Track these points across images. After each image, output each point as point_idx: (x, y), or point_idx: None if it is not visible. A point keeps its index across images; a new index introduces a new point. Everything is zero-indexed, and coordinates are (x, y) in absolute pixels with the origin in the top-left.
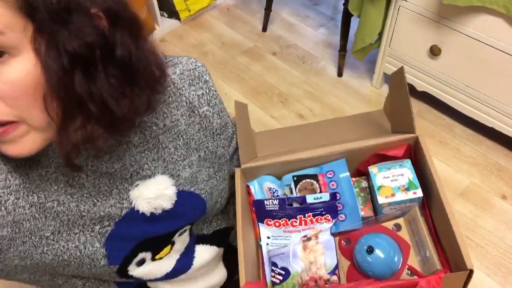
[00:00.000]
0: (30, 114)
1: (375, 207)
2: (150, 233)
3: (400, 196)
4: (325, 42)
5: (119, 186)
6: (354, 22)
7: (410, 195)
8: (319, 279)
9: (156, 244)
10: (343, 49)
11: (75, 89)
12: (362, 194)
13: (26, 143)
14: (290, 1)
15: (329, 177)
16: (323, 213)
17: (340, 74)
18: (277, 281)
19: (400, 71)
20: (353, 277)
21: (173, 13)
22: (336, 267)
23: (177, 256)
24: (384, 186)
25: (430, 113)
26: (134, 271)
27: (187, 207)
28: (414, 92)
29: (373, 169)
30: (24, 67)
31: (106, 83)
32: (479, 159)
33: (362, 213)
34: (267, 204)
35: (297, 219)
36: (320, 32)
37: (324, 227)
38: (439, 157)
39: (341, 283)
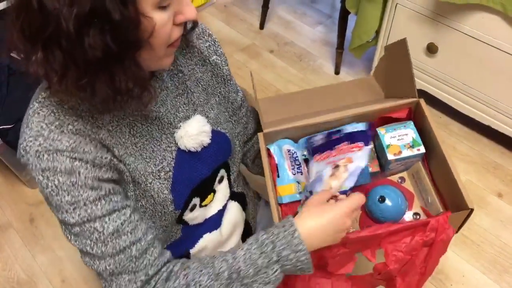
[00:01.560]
0: None
1: (382, 164)
2: (199, 175)
3: (406, 153)
4: (322, 40)
5: (166, 131)
6: (352, 20)
7: (414, 151)
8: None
9: (203, 190)
10: (340, 46)
11: None
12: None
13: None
14: None
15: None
16: (357, 141)
17: (337, 71)
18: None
19: (403, 41)
20: (365, 224)
21: None
22: (350, 189)
23: (219, 207)
24: (392, 145)
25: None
26: (187, 215)
27: (218, 145)
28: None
29: (381, 130)
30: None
31: None
32: (475, 157)
33: (370, 169)
34: (311, 140)
35: (332, 149)
36: (318, 30)
37: (356, 155)
38: None
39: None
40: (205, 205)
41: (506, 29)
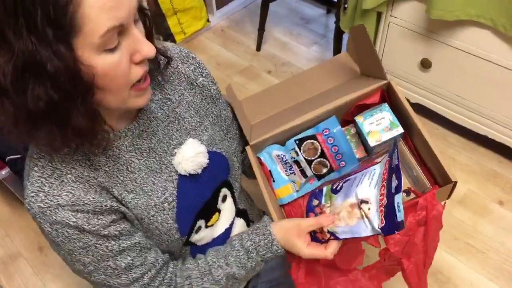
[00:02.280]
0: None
1: (367, 149)
2: (201, 198)
3: (386, 136)
4: (318, 59)
5: (164, 161)
6: (346, 39)
7: (393, 133)
8: (320, 231)
9: (207, 212)
10: None
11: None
12: (353, 140)
13: (149, 89)
14: (283, 21)
15: (325, 134)
16: (387, 217)
17: None
18: (335, 187)
19: (362, 27)
20: None
21: (168, 36)
22: (335, 237)
23: (226, 225)
24: (371, 131)
25: (424, 123)
26: (193, 237)
27: (216, 165)
28: (425, 129)
29: (359, 119)
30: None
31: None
32: (474, 167)
33: (357, 156)
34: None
35: (384, 190)
36: (313, 49)
37: (374, 220)
38: None
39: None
40: (211, 225)
41: (497, 42)
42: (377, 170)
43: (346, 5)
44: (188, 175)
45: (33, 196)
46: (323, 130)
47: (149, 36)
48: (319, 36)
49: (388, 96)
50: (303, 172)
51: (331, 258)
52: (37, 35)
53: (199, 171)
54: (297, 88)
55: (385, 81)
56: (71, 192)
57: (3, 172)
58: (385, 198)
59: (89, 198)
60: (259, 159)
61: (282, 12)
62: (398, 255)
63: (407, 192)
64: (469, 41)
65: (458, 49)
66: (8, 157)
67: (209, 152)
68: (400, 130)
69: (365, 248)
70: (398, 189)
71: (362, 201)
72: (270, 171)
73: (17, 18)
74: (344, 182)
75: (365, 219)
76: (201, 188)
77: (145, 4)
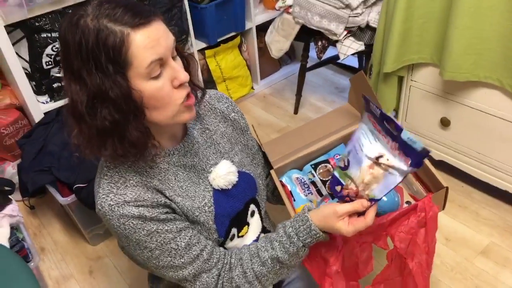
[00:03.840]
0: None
1: None
2: (235, 208)
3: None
4: None
5: (202, 176)
6: None
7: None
8: (356, 195)
9: (239, 222)
10: None
11: (190, 64)
12: None
13: (194, 108)
14: (319, 89)
15: (337, 159)
16: (407, 154)
17: None
18: (342, 165)
19: (361, 75)
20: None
21: None
22: (377, 200)
23: (253, 238)
24: None
25: (449, 180)
26: (228, 244)
27: (245, 183)
28: (431, 161)
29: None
30: (180, 59)
31: (192, 58)
32: (498, 221)
33: None
34: (371, 104)
35: (386, 137)
36: None
37: (398, 164)
38: (459, 219)
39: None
40: (242, 236)
41: (506, 100)
42: (365, 128)
43: (371, 72)
44: (220, 189)
45: (104, 197)
46: (334, 155)
47: (186, 70)
48: (344, 98)
49: None
50: (319, 192)
51: (371, 224)
52: (102, 71)
53: (230, 187)
54: (309, 131)
55: None
56: (134, 192)
57: (69, 199)
58: (393, 142)
59: (148, 195)
60: (281, 182)
61: (319, 81)
62: (403, 253)
63: (409, 203)
64: (481, 100)
65: (472, 108)
66: (76, 186)
67: (239, 172)
68: None
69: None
70: (398, 128)
71: (377, 158)
72: (291, 192)
73: (89, 61)
74: (348, 157)
75: (390, 169)
76: (232, 200)
77: (199, 73)
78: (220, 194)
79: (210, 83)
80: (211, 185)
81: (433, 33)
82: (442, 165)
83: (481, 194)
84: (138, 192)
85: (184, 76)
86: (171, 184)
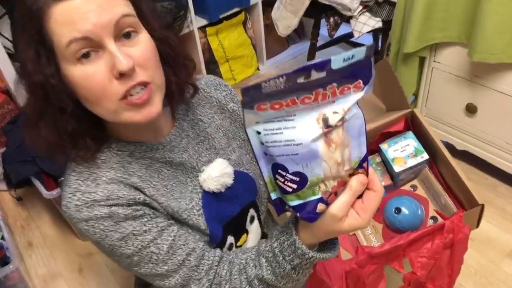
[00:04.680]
0: (156, 74)
1: (392, 176)
2: (228, 212)
3: (411, 162)
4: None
5: (190, 175)
6: None
7: (418, 159)
8: (343, 185)
9: (236, 229)
10: None
11: (169, 52)
12: (378, 168)
13: (156, 102)
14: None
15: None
16: (353, 78)
17: None
18: (289, 189)
19: (385, 62)
20: (388, 236)
21: None
22: (365, 158)
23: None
24: (396, 158)
25: (472, 172)
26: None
27: (242, 184)
28: (454, 151)
29: (383, 146)
30: (147, 39)
31: (176, 43)
32: None
33: (382, 183)
34: (265, 86)
35: (312, 94)
36: None
37: (351, 101)
38: (484, 216)
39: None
40: (240, 246)
41: None
42: (263, 127)
43: (389, 52)
44: (211, 191)
45: (70, 197)
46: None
47: (174, 64)
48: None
49: (412, 124)
50: None
51: (383, 191)
52: (30, 45)
53: (222, 190)
54: None
55: (408, 110)
56: (106, 189)
57: (54, 192)
58: (327, 87)
59: (122, 193)
60: None
61: None
62: (423, 279)
63: (435, 218)
64: None
65: (503, 94)
66: (60, 179)
67: (237, 172)
68: (425, 156)
69: (388, 273)
70: (323, 65)
71: (326, 127)
72: None
73: (18, 33)
74: (291, 174)
75: (346, 116)
76: (226, 204)
77: (199, 53)
78: (210, 196)
79: (212, 63)
80: (200, 186)
81: (462, 7)
82: (465, 156)
83: (507, 188)
84: (111, 190)
85: (124, 64)
86: (154, 182)
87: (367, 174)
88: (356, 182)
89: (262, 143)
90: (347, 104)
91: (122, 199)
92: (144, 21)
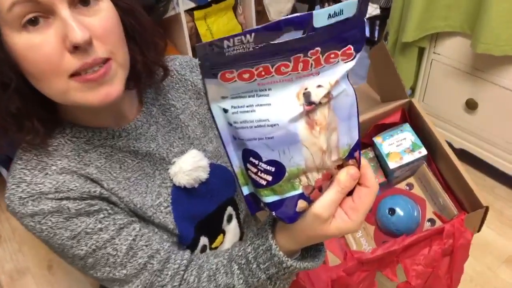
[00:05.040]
0: (118, 50)
1: (386, 173)
2: (202, 209)
3: (408, 158)
4: None
5: (159, 167)
6: None
7: (416, 155)
8: (329, 178)
9: (211, 229)
10: None
11: (135, 26)
12: (371, 164)
13: (118, 81)
14: None
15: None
16: (341, 42)
17: None
18: (263, 182)
19: (382, 46)
20: (380, 239)
21: None
22: (357, 146)
23: None
24: (391, 153)
25: (470, 172)
26: None
27: (219, 179)
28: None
29: (377, 139)
30: (110, 8)
31: (144, 17)
32: None
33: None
34: (228, 46)
35: (289, 60)
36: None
37: (339, 72)
38: None
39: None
40: (216, 248)
41: None
42: (230, 103)
43: (386, 41)
44: (183, 186)
45: (14, 188)
46: None
47: (137, 40)
48: (359, 77)
49: (410, 116)
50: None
51: (378, 188)
52: None
53: (196, 185)
54: None
55: (406, 100)
56: (55, 180)
57: None
58: (311, 50)
59: (75, 184)
60: None
61: None
62: None
63: (432, 220)
64: None
65: (506, 89)
66: None
67: (213, 165)
68: (423, 151)
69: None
70: (304, 20)
71: (308, 104)
72: None
73: None
74: (264, 163)
75: (332, 92)
76: (199, 201)
77: (186, 38)
78: (181, 192)
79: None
80: (171, 179)
81: None
82: (463, 154)
83: (506, 190)
84: (61, 181)
85: (79, 35)
86: (114, 174)
87: (359, 167)
88: (345, 176)
89: (230, 124)
90: (334, 77)
91: (74, 191)
92: None
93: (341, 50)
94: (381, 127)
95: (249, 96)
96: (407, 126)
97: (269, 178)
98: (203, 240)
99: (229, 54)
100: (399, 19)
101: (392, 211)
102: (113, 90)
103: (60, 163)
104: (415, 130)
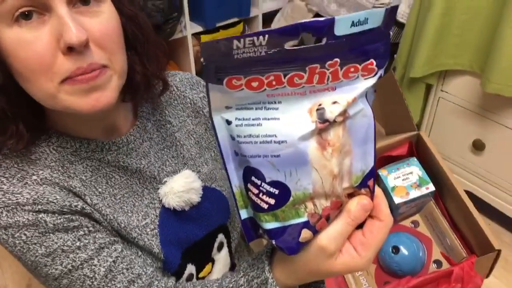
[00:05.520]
0: (116, 57)
1: (391, 208)
2: (190, 235)
3: (414, 194)
4: None
5: (149, 186)
6: None
7: (423, 190)
8: (338, 207)
9: (199, 257)
10: None
11: (138, 35)
12: None
13: (112, 89)
14: None
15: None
16: (363, 56)
17: None
18: (265, 205)
19: (390, 76)
20: (382, 280)
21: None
22: (371, 174)
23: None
24: (397, 187)
25: None
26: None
27: (212, 204)
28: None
29: (382, 172)
30: (111, 12)
31: (148, 26)
32: None
33: None
34: (238, 47)
35: (304, 70)
36: None
37: (358, 89)
38: None
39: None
40: (203, 277)
41: None
42: (234, 115)
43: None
44: (172, 208)
45: None
46: None
47: (139, 46)
48: None
49: (417, 150)
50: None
51: (392, 222)
52: None
53: (186, 208)
54: None
55: (414, 132)
56: (34, 191)
57: None
58: (327, 61)
59: (55, 197)
60: None
61: None
62: None
63: (439, 262)
64: None
65: None
66: None
67: (206, 188)
68: (431, 187)
69: None
70: (323, 26)
71: (321, 123)
72: None
73: None
74: (268, 185)
75: (348, 111)
76: (188, 226)
77: (191, 61)
78: (171, 214)
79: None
80: (160, 200)
81: (477, 33)
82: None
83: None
84: (41, 192)
85: (75, 35)
86: (100, 189)
87: (372, 197)
88: (356, 206)
89: (232, 138)
90: (352, 94)
91: (53, 204)
92: None
93: (362, 65)
94: (386, 159)
95: (256, 108)
96: (414, 160)
97: (272, 201)
98: (190, 268)
99: (237, 57)
100: (407, 54)
101: (396, 250)
102: (104, 96)
103: (42, 173)
104: (422, 165)
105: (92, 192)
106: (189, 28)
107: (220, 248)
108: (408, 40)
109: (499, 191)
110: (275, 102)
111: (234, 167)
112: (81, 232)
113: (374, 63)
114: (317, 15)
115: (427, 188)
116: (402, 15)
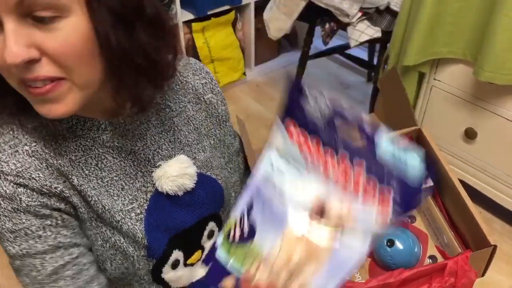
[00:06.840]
0: (76, 71)
1: None
2: (179, 222)
3: None
4: None
5: (143, 169)
6: None
7: None
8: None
9: (187, 244)
10: None
11: (122, 44)
12: None
13: (68, 102)
14: (320, 83)
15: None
16: (385, 180)
17: None
18: (234, 234)
19: (394, 71)
20: (376, 273)
21: None
22: None
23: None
24: None
25: None
26: (167, 274)
27: (206, 191)
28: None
29: None
30: (75, 27)
31: (145, 37)
32: None
33: None
34: (311, 98)
35: (336, 153)
36: None
37: (367, 213)
38: None
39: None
40: (191, 264)
41: None
42: (276, 154)
43: (386, 65)
44: (165, 192)
45: None
46: None
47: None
48: (356, 102)
49: (417, 144)
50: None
51: None
52: None
53: (180, 193)
54: None
55: (414, 127)
56: (20, 163)
57: None
58: (357, 161)
59: (38, 174)
60: None
61: (321, 74)
62: None
63: (434, 258)
64: None
65: (508, 120)
66: None
67: (201, 175)
68: (429, 182)
69: None
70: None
71: (319, 208)
72: None
73: None
74: (250, 216)
75: (341, 235)
76: (179, 212)
77: (182, 47)
78: (163, 199)
79: None
80: (153, 184)
81: (471, 21)
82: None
83: (503, 225)
84: (27, 165)
85: (10, 56)
86: (87, 171)
87: None
88: None
89: (267, 180)
90: (362, 214)
91: (35, 182)
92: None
93: (382, 190)
94: None
95: (291, 162)
96: None
97: (238, 234)
98: (177, 254)
99: (306, 108)
100: (400, 43)
101: (391, 243)
102: (55, 109)
103: (35, 146)
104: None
105: (78, 173)
106: (180, 15)
107: (210, 236)
108: (401, 28)
109: (491, 179)
110: (304, 168)
111: (247, 199)
112: (48, 222)
113: (392, 190)
114: (309, 4)
115: (425, 183)
116: (395, 2)
